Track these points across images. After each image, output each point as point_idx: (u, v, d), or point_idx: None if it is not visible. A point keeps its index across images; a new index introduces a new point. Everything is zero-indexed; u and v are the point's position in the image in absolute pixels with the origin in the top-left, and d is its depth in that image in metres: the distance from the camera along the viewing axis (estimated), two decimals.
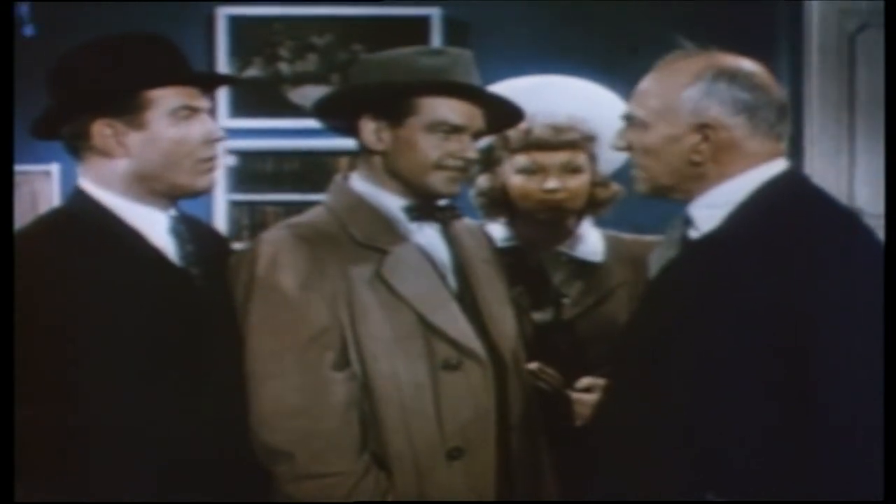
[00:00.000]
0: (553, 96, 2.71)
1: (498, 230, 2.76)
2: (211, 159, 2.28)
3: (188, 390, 2.20)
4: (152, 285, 2.22)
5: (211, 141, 2.27)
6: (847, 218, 2.03)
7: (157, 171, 2.24)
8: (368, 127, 2.37)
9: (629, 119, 2.15)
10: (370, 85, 2.39)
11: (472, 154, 2.37)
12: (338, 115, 2.46)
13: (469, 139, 2.36)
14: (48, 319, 2.12)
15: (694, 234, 2.10)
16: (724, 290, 1.92)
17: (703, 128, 2.05)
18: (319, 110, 2.47)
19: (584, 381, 2.49)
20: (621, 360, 2.09)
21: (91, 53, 2.25)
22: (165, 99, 2.23)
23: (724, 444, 1.88)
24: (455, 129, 2.34)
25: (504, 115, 2.46)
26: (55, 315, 2.13)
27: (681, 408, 1.92)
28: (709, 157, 2.06)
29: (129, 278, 2.20)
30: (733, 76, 2.06)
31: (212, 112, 2.31)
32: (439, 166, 2.34)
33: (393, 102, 2.35)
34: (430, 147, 2.33)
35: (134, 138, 2.23)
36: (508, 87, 2.67)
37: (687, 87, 2.07)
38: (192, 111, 2.25)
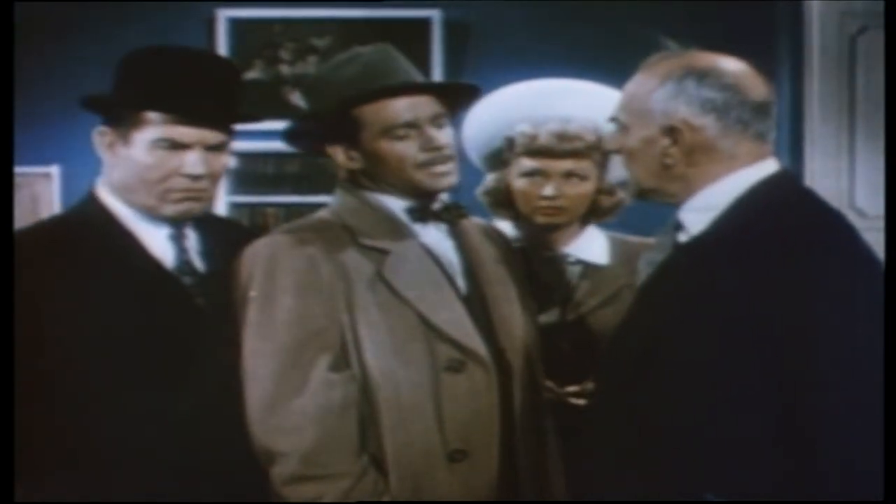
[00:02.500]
0: (568, 101, 2.68)
1: (505, 230, 2.76)
2: (181, 191, 2.27)
3: (181, 395, 2.20)
4: (140, 291, 2.23)
5: (184, 175, 2.26)
6: (835, 221, 2.01)
7: (132, 186, 2.27)
8: (336, 151, 2.37)
9: (614, 122, 2.14)
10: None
11: (441, 140, 2.32)
12: (309, 149, 2.50)
13: (431, 128, 2.32)
14: (43, 321, 2.13)
15: (684, 237, 2.08)
16: (709, 292, 1.92)
17: (672, 131, 2.02)
18: (291, 145, 2.48)
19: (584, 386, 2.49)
20: (613, 365, 2.09)
21: (135, 59, 2.29)
22: (153, 125, 2.24)
23: (715, 444, 1.88)
24: (409, 125, 2.30)
25: (454, 91, 2.44)
26: (51, 317, 2.14)
27: (671, 410, 1.92)
28: (680, 159, 2.03)
29: (118, 283, 2.22)
30: (703, 76, 2.02)
31: (220, 147, 2.31)
32: (417, 165, 2.32)
33: (336, 127, 2.34)
34: (399, 150, 2.31)
35: (121, 151, 2.26)
36: (522, 90, 2.67)
37: (657, 88, 2.04)
38: (177, 145, 2.25)
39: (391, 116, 2.31)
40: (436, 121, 2.34)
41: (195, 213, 2.33)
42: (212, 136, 2.29)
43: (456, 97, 2.44)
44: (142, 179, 2.26)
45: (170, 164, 2.25)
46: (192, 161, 2.26)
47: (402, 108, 2.31)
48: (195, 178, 2.27)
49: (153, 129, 2.24)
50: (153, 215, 2.29)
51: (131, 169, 2.26)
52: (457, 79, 4.35)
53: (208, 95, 2.29)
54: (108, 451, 2.16)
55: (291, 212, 4.63)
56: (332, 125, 2.35)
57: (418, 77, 2.40)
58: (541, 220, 2.70)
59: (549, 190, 2.66)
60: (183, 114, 2.25)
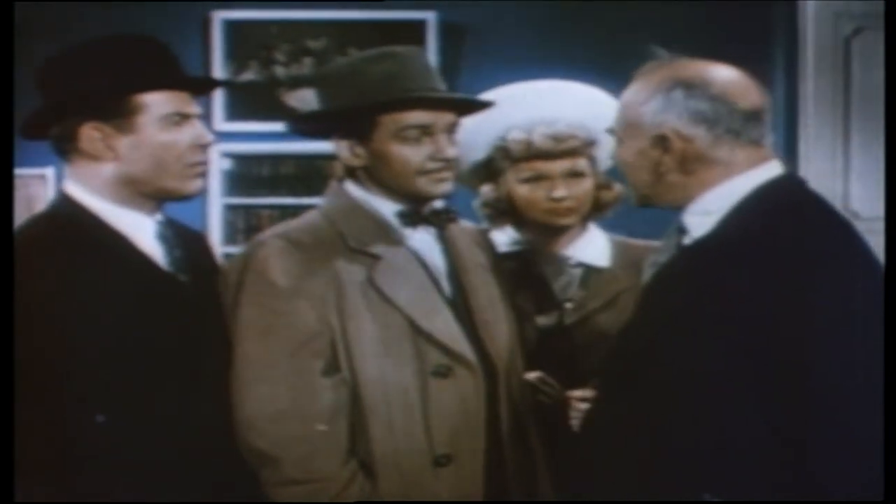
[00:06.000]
0: (551, 102, 2.69)
1: (504, 234, 2.75)
2: (199, 164, 2.28)
3: (178, 394, 2.20)
4: (140, 290, 2.22)
5: (199, 146, 2.27)
6: (840, 224, 2.02)
7: (144, 175, 2.24)
8: (342, 146, 2.37)
9: (611, 133, 2.16)
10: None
11: (450, 152, 2.34)
12: (313, 135, 2.50)
13: (444, 136, 2.34)
14: (36, 324, 2.12)
15: (687, 240, 2.09)
16: (711, 294, 1.92)
17: (662, 140, 2.03)
18: (297, 132, 2.51)
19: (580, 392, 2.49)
20: (614, 365, 2.09)
21: (82, 55, 2.25)
22: (157, 104, 2.23)
23: (715, 446, 1.89)
24: (423, 128, 2.32)
25: (474, 104, 2.45)
26: (43, 320, 2.13)
27: (671, 411, 1.92)
28: (674, 167, 2.04)
29: (117, 283, 2.20)
30: (689, 87, 2.02)
31: (203, 116, 2.32)
32: (420, 171, 2.33)
33: (349, 123, 2.34)
34: (406, 154, 2.32)
35: (123, 142, 2.22)
36: (505, 93, 2.66)
37: (648, 99, 2.05)
38: (183, 117, 2.25)
39: (410, 121, 2.31)
40: (449, 130, 2.36)
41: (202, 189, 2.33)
42: (197, 105, 2.30)
43: (469, 109, 2.45)
44: (161, 161, 2.23)
45: (184, 139, 2.24)
46: (202, 131, 2.27)
47: (424, 114, 2.32)
48: (206, 148, 2.28)
49: (156, 108, 2.22)
50: (173, 197, 2.28)
51: (146, 155, 2.23)
52: (452, 82, 4.35)
53: (180, 66, 2.29)
54: (102, 451, 2.16)
55: (286, 213, 4.63)
56: (346, 121, 2.35)
57: (442, 84, 2.41)
58: (552, 222, 2.69)
59: (559, 192, 2.65)
60: (183, 85, 2.26)
